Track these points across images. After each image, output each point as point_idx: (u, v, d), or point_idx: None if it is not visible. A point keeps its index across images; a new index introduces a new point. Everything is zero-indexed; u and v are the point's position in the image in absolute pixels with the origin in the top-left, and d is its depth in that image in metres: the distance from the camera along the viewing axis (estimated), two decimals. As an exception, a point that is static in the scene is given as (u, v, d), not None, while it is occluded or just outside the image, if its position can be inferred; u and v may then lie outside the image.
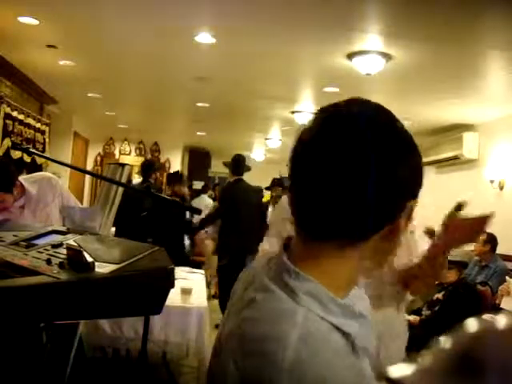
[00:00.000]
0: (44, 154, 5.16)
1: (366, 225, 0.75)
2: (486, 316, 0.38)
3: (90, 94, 7.21)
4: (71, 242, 1.68)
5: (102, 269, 1.44)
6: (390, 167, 0.73)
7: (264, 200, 6.62)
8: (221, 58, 5.12)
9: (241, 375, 0.69)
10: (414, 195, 0.77)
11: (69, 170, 7.93)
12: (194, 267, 4.94)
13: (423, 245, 1.76)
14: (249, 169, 5.85)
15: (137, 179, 6.96)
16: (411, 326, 3.81)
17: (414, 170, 0.77)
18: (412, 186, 0.77)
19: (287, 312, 0.71)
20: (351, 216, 0.74)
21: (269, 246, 2.55)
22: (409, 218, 0.79)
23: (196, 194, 8.79)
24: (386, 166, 0.73)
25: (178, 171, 6.80)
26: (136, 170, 11.12)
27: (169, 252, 1.58)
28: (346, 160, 0.73)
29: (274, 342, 0.68)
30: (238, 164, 5.65)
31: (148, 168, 5.85)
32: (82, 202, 7.64)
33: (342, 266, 0.78)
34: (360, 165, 0.72)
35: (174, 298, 2.96)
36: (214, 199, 8.70)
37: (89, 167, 10.80)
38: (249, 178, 5.85)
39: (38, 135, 6.10)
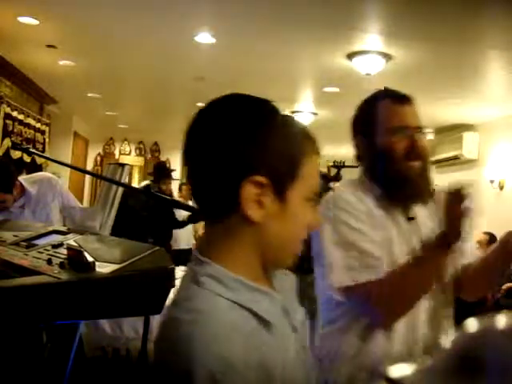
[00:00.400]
0: (44, 154, 5.17)
1: (210, 202, 0.83)
2: (486, 316, 0.38)
3: (89, 94, 7.20)
4: (72, 242, 1.68)
5: (102, 269, 1.44)
6: (225, 144, 0.79)
7: None
8: (221, 58, 5.12)
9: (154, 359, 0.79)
10: (256, 171, 0.78)
11: (69, 169, 7.92)
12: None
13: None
14: None
15: (145, 181, 6.84)
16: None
17: (258, 148, 0.79)
18: (252, 163, 0.78)
19: (188, 297, 0.78)
20: (202, 194, 0.83)
21: None
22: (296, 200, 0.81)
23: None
24: (222, 143, 0.79)
25: (164, 165, 6.42)
26: (136, 170, 11.17)
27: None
28: (196, 143, 0.83)
29: (172, 327, 0.76)
30: None
31: (160, 170, 5.84)
32: (82, 202, 7.64)
33: (235, 248, 0.82)
34: (201, 146, 0.82)
35: (174, 297, 2.95)
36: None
37: (89, 167, 10.79)
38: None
39: (38, 135, 6.11)
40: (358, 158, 1.54)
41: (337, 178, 3.28)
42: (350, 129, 1.55)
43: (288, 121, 0.85)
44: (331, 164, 3.35)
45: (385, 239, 1.39)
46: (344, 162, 3.30)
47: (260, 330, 0.78)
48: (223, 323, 0.75)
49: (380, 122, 1.42)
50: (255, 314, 0.78)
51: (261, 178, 0.78)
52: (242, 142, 0.79)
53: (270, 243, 0.83)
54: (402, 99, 1.44)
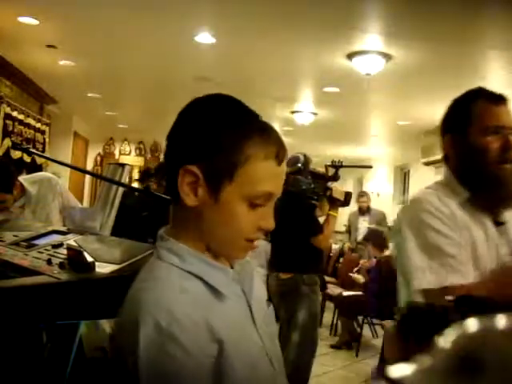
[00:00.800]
0: (44, 154, 5.16)
1: (167, 185, 0.92)
2: (486, 316, 0.38)
3: (89, 94, 7.21)
4: (71, 242, 1.68)
5: (102, 269, 1.44)
6: (173, 136, 0.92)
7: None
8: (221, 58, 5.12)
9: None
10: (197, 160, 0.85)
11: (69, 169, 7.92)
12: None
13: None
14: None
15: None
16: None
17: (201, 142, 0.86)
18: (192, 154, 0.86)
19: (149, 268, 0.89)
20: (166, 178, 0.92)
21: None
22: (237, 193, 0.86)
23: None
24: (172, 135, 0.93)
25: (148, 167, 6.77)
26: (136, 170, 11.16)
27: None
28: (169, 132, 0.94)
29: (131, 292, 0.86)
30: None
31: (161, 170, 5.86)
32: (81, 202, 7.64)
33: (188, 229, 0.90)
34: (169, 134, 0.94)
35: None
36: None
37: (89, 167, 10.79)
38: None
39: (38, 135, 6.10)
40: (446, 157, 1.49)
41: (335, 177, 3.27)
42: (440, 127, 1.51)
43: (248, 124, 0.87)
44: (329, 164, 3.33)
45: (469, 243, 1.34)
46: (342, 162, 3.28)
47: (210, 297, 0.85)
48: (174, 286, 0.84)
49: (475, 121, 1.38)
50: (207, 284, 0.86)
51: (194, 169, 0.85)
52: (191, 134, 0.88)
53: (210, 232, 0.89)
54: (498, 98, 1.40)
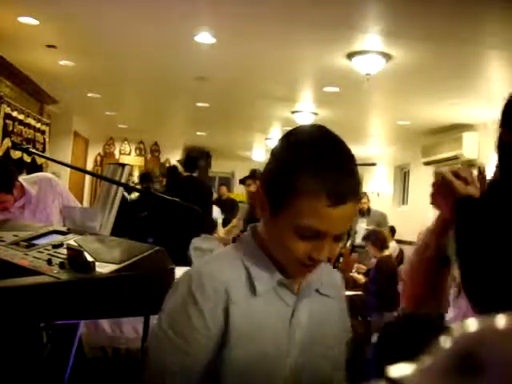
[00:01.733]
0: (44, 154, 5.16)
1: None
2: (487, 315, 0.38)
3: (89, 94, 7.20)
4: (72, 242, 1.68)
5: (102, 269, 1.45)
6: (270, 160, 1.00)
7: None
8: (221, 58, 5.12)
9: None
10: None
11: (69, 169, 7.92)
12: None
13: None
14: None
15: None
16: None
17: (275, 165, 0.97)
18: (268, 174, 0.98)
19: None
20: None
21: None
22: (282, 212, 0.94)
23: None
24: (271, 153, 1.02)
25: (149, 172, 6.94)
26: (136, 170, 11.16)
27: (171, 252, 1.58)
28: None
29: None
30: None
31: (172, 173, 5.91)
32: (81, 202, 7.64)
33: (263, 234, 1.01)
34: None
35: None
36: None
37: (89, 167, 10.78)
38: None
39: (38, 135, 6.10)
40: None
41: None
42: (503, 117, 1.28)
43: (307, 161, 0.92)
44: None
45: None
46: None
47: (245, 288, 0.95)
48: (224, 263, 0.98)
49: None
50: (249, 277, 0.96)
51: (261, 187, 0.98)
52: (271, 156, 0.99)
53: (270, 246, 0.99)
54: None
